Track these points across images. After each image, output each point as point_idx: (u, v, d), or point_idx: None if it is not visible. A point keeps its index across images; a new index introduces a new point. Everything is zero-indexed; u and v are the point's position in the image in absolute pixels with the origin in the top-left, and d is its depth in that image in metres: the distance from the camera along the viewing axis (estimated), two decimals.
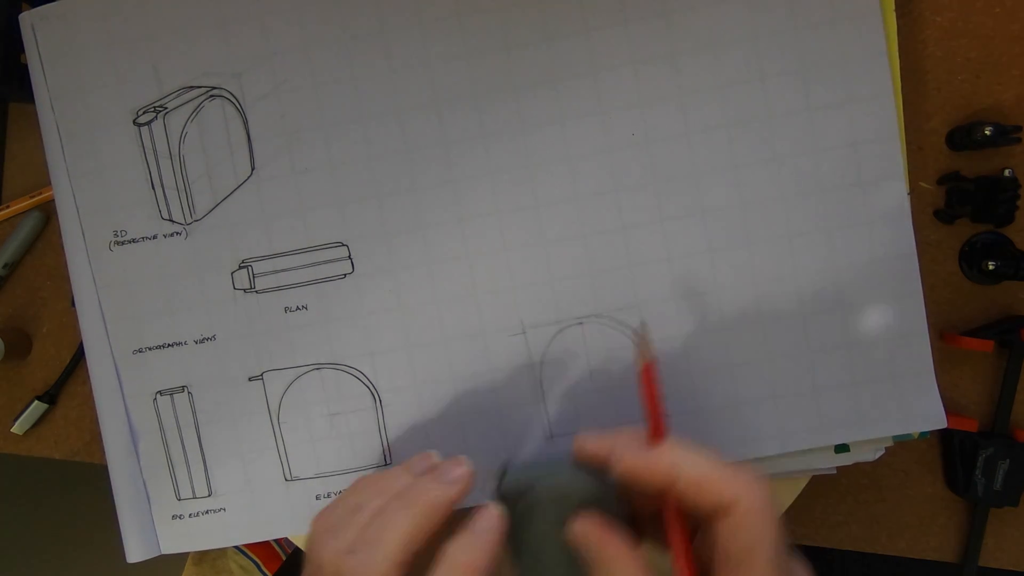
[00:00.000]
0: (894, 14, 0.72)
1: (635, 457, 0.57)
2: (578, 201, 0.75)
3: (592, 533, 0.57)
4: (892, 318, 0.75)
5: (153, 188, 0.77)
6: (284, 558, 1.44)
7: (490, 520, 0.61)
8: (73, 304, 0.80)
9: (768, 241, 0.74)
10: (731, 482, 0.53)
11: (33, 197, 0.87)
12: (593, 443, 0.61)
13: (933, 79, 0.78)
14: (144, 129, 0.77)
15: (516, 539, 0.62)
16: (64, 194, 0.78)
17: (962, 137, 0.77)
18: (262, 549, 1.44)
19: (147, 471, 0.80)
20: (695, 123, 0.74)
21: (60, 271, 0.88)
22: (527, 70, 0.75)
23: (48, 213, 0.88)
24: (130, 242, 0.78)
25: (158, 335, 0.79)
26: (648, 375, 0.60)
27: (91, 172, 0.77)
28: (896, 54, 0.73)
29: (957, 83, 0.78)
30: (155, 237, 0.78)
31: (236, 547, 1.44)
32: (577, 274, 0.76)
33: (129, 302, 0.78)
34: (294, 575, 1.37)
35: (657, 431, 0.59)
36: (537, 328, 0.77)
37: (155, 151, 0.77)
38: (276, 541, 1.43)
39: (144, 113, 0.77)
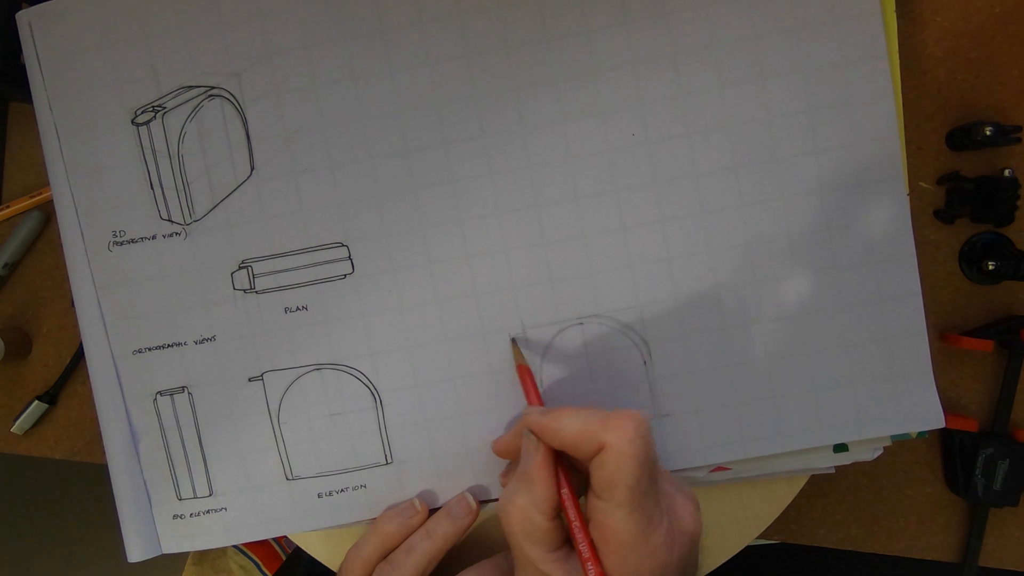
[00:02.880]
0: (894, 14, 0.72)
1: (535, 423, 0.65)
2: (578, 201, 0.75)
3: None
4: (892, 319, 0.75)
5: (152, 188, 0.77)
6: (284, 558, 1.44)
7: (465, 507, 0.78)
8: (73, 304, 0.80)
9: (767, 241, 0.74)
10: (602, 429, 0.59)
11: (33, 197, 0.87)
12: (502, 440, 0.74)
13: (933, 79, 0.78)
14: (143, 129, 0.76)
15: None
16: (63, 194, 0.78)
17: (962, 137, 0.77)
18: (262, 549, 1.44)
19: (147, 471, 0.80)
20: (695, 123, 0.74)
21: (60, 271, 0.88)
22: (527, 70, 0.75)
23: (48, 213, 0.88)
24: (129, 242, 0.78)
25: (158, 335, 0.79)
26: (522, 374, 0.73)
27: (90, 172, 0.77)
28: (896, 54, 0.73)
29: (957, 83, 0.78)
30: (154, 237, 0.77)
31: (236, 547, 1.45)
32: (577, 274, 0.76)
33: (129, 302, 0.78)
34: (294, 575, 1.37)
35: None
36: (537, 328, 0.77)
37: (154, 151, 0.76)
38: (276, 541, 1.44)
39: (143, 113, 0.76)
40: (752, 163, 0.74)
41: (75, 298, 0.78)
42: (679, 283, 0.75)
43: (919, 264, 0.74)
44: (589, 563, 0.60)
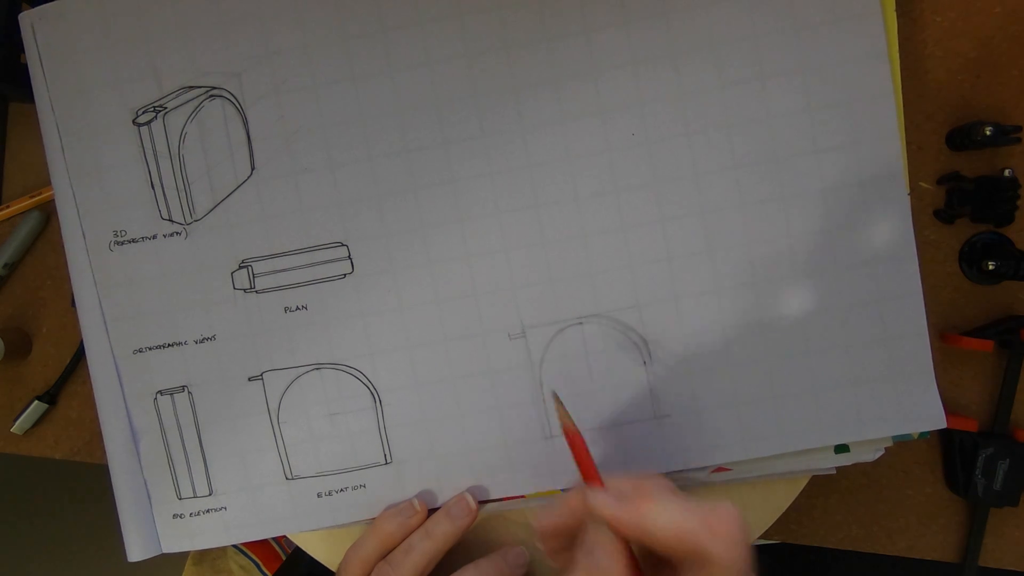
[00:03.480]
0: (895, 14, 0.72)
1: (613, 518, 0.58)
2: (578, 201, 0.76)
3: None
4: (892, 319, 0.75)
5: (153, 188, 0.77)
6: (284, 558, 1.45)
7: (464, 507, 0.77)
8: (73, 304, 0.80)
9: (767, 241, 0.74)
10: (706, 535, 0.54)
11: (33, 197, 0.87)
12: (551, 520, 0.64)
13: (933, 79, 0.78)
14: (144, 129, 0.76)
15: None
16: (64, 194, 0.78)
17: (962, 137, 0.77)
18: (262, 549, 1.45)
19: (148, 470, 0.80)
20: (695, 123, 0.74)
21: (60, 271, 0.88)
22: (527, 70, 0.75)
23: (48, 213, 0.88)
24: (130, 242, 0.78)
25: (158, 335, 0.79)
26: (572, 439, 0.66)
27: (91, 172, 0.77)
28: (896, 54, 0.73)
29: (957, 83, 0.78)
30: (155, 237, 0.78)
31: (236, 547, 1.46)
32: (577, 274, 0.76)
33: (129, 302, 0.78)
34: (294, 575, 1.37)
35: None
36: (537, 328, 0.77)
37: (155, 151, 0.77)
38: (276, 541, 1.45)
39: (144, 113, 0.76)
40: (752, 163, 0.74)
41: (76, 298, 0.79)
42: (679, 283, 0.75)
43: (919, 264, 0.74)
44: None
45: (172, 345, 0.79)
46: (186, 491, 0.80)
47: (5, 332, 0.87)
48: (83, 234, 0.78)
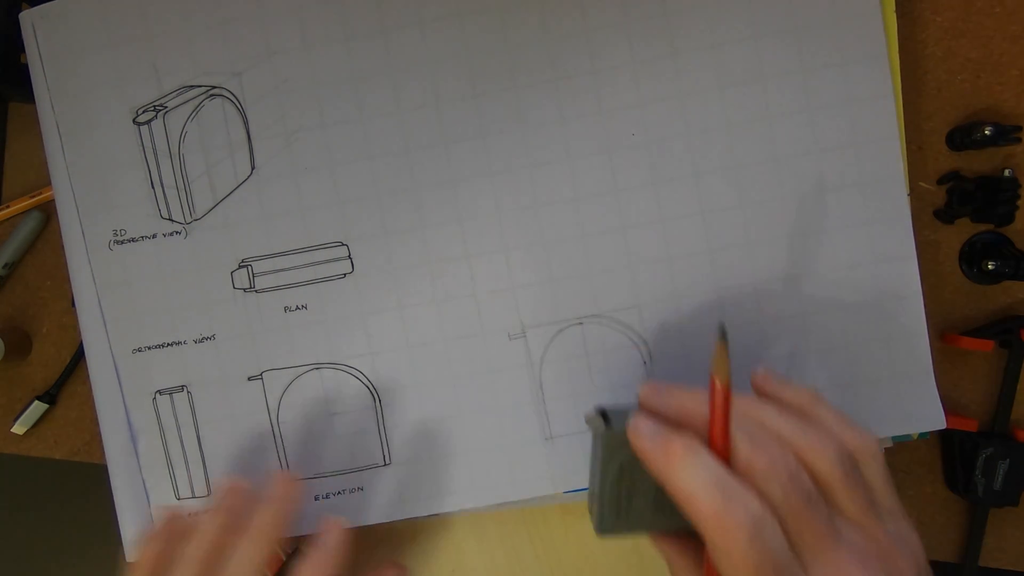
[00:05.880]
0: (895, 14, 0.73)
1: (641, 446, 0.57)
2: (578, 201, 0.76)
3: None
4: (892, 319, 0.75)
5: (153, 187, 0.77)
6: (284, 559, 1.44)
7: (336, 537, 0.69)
8: (73, 304, 0.80)
9: (768, 241, 0.75)
10: (710, 524, 0.52)
11: (33, 197, 0.87)
12: (654, 400, 0.61)
13: (933, 79, 0.78)
14: (144, 128, 0.77)
15: (619, 478, 0.62)
16: (64, 193, 0.78)
17: (962, 137, 0.77)
18: None
19: (146, 470, 0.80)
20: (695, 123, 0.74)
21: (60, 271, 0.88)
22: (527, 70, 0.75)
23: (48, 213, 0.87)
24: (130, 241, 0.78)
25: (158, 334, 0.79)
26: (720, 395, 0.57)
27: (91, 171, 0.78)
28: (896, 54, 0.73)
29: (957, 83, 0.78)
30: (155, 236, 0.78)
31: None
32: (577, 274, 0.76)
33: (129, 301, 0.78)
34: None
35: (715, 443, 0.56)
36: (537, 328, 0.77)
37: (155, 150, 0.77)
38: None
39: (144, 112, 0.77)
40: (752, 162, 0.74)
41: (75, 297, 0.79)
42: (679, 283, 0.75)
43: (919, 264, 0.74)
44: None
45: (171, 345, 0.79)
46: (184, 491, 0.80)
47: (5, 332, 0.87)
48: (83, 233, 0.78)
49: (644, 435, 0.57)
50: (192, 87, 0.77)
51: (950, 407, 0.82)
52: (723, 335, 0.57)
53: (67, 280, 0.79)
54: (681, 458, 0.54)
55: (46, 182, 0.84)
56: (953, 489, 0.82)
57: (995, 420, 0.81)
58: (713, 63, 0.74)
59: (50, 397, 0.89)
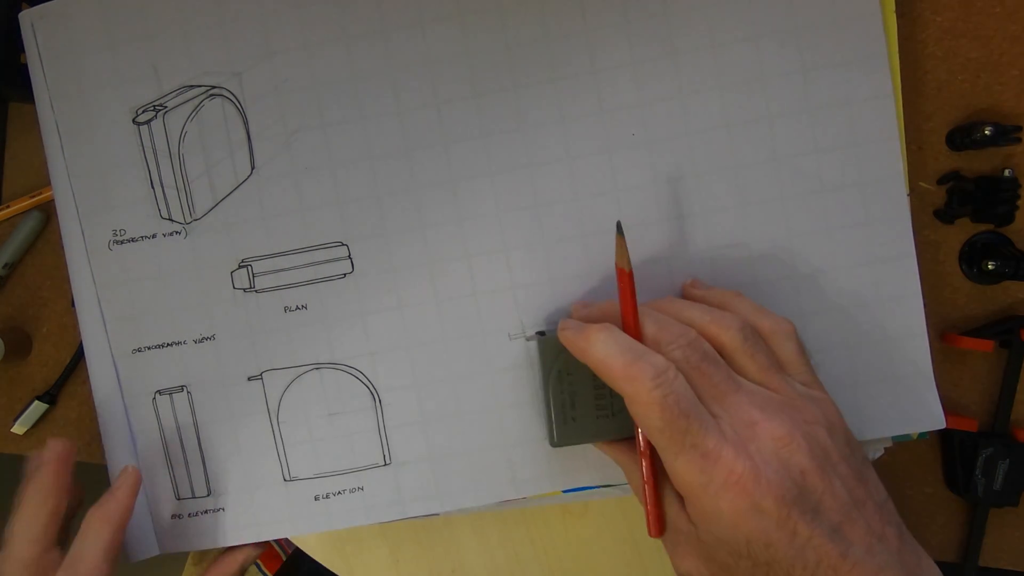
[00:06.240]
0: (894, 14, 0.73)
1: (570, 336, 0.67)
2: (578, 201, 0.76)
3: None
4: (891, 319, 0.75)
5: (153, 187, 0.77)
6: (284, 558, 1.45)
7: (125, 479, 0.75)
8: (73, 304, 0.80)
9: (768, 241, 0.75)
10: (622, 377, 0.61)
11: (33, 197, 0.87)
12: (581, 311, 0.73)
13: (933, 79, 0.78)
14: (144, 128, 0.77)
15: (559, 385, 0.73)
16: (64, 193, 0.78)
17: (962, 137, 0.77)
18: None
19: (146, 470, 0.80)
20: (695, 123, 0.74)
21: (60, 271, 0.88)
22: (527, 70, 0.75)
23: (48, 213, 0.87)
24: (129, 241, 0.78)
25: (157, 334, 0.79)
26: (625, 281, 0.67)
27: (91, 171, 0.78)
28: (896, 54, 0.73)
29: (957, 83, 0.78)
30: (154, 236, 0.78)
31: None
32: (577, 274, 0.77)
33: (128, 301, 0.78)
34: (294, 575, 1.37)
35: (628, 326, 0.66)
36: (537, 329, 0.77)
37: (155, 150, 0.77)
38: (276, 541, 1.43)
39: (144, 112, 0.77)
40: (752, 163, 0.74)
41: (75, 297, 0.79)
42: (677, 283, 0.76)
43: (919, 264, 0.74)
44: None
45: (171, 345, 0.79)
46: (184, 491, 0.80)
47: (5, 332, 0.87)
48: (83, 233, 0.78)
49: (569, 328, 0.68)
50: (192, 87, 0.77)
51: (950, 407, 0.82)
52: (620, 230, 0.68)
53: (67, 280, 0.79)
54: (596, 334, 0.64)
55: (46, 182, 0.83)
56: (953, 489, 0.83)
57: (995, 420, 0.81)
58: (713, 63, 0.74)
59: (50, 397, 0.89)
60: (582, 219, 0.76)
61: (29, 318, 0.89)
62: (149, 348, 0.79)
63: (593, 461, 0.79)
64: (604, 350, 0.62)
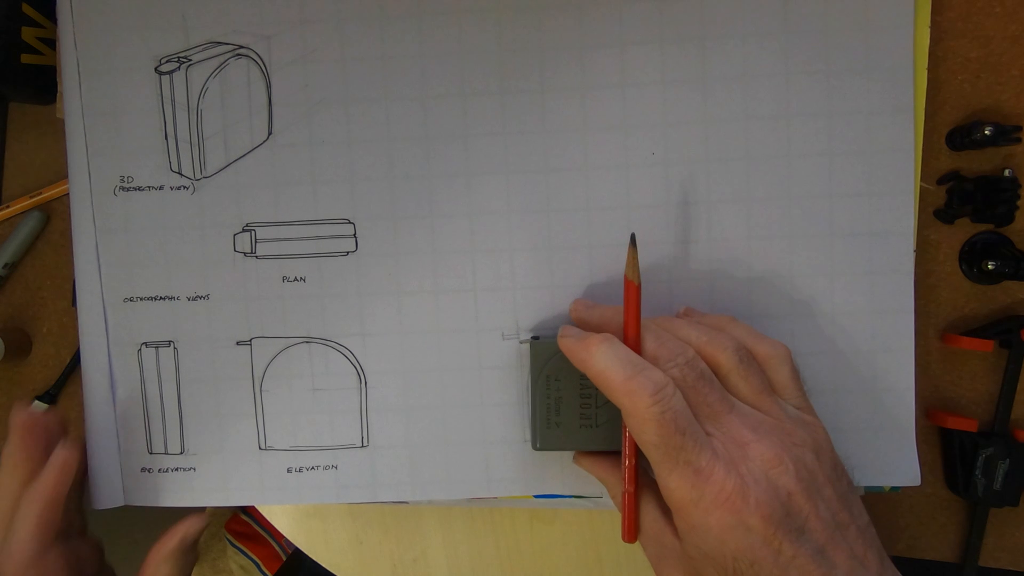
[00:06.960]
0: (928, 28, 0.75)
1: (570, 343, 0.68)
2: (589, 211, 0.77)
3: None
4: (882, 371, 0.77)
5: (167, 139, 0.78)
6: (284, 558, 1.45)
7: (62, 457, 0.72)
8: (74, 304, 0.80)
9: (770, 277, 0.77)
10: (621, 392, 0.62)
11: (33, 197, 0.88)
12: (581, 312, 0.74)
13: (933, 79, 0.79)
14: (165, 78, 0.78)
15: (547, 390, 0.73)
16: (76, 132, 0.78)
17: (962, 137, 0.78)
18: (262, 549, 1.47)
19: (121, 420, 0.79)
20: (716, 151, 0.76)
21: (60, 271, 0.88)
22: (557, 74, 0.77)
23: (48, 213, 0.88)
24: (136, 189, 0.78)
25: (151, 286, 0.78)
26: (631, 293, 0.68)
27: (106, 114, 0.78)
28: (924, 68, 0.75)
29: (957, 83, 0.79)
30: (162, 188, 0.78)
31: (236, 547, 1.49)
32: (579, 283, 0.77)
33: (127, 249, 0.78)
34: (294, 575, 1.33)
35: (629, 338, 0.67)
36: (533, 331, 0.77)
37: (173, 102, 0.78)
38: (276, 541, 1.48)
39: (167, 62, 0.78)
40: (766, 198, 0.76)
41: (74, 238, 0.79)
42: (678, 305, 0.77)
43: (919, 264, 0.76)
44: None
45: (164, 299, 0.78)
46: (158, 446, 0.78)
47: (5, 332, 0.86)
48: (89, 174, 0.78)
49: (569, 336, 0.69)
50: (219, 43, 0.78)
51: (950, 407, 0.81)
52: (633, 242, 0.68)
53: (67, 280, 0.80)
54: (597, 345, 0.65)
55: (46, 182, 0.85)
56: (953, 489, 0.81)
57: (995, 420, 0.80)
58: (743, 95, 0.76)
59: (50, 397, 0.88)
60: (591, 230, 0.77)
61: (29, 318, 0.89)
62: (141, 299, 0.78)
63: (569, 471, 0.78)
64: (605, 362, 0.63)
